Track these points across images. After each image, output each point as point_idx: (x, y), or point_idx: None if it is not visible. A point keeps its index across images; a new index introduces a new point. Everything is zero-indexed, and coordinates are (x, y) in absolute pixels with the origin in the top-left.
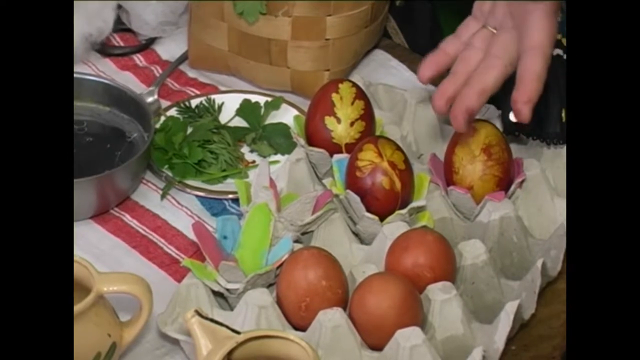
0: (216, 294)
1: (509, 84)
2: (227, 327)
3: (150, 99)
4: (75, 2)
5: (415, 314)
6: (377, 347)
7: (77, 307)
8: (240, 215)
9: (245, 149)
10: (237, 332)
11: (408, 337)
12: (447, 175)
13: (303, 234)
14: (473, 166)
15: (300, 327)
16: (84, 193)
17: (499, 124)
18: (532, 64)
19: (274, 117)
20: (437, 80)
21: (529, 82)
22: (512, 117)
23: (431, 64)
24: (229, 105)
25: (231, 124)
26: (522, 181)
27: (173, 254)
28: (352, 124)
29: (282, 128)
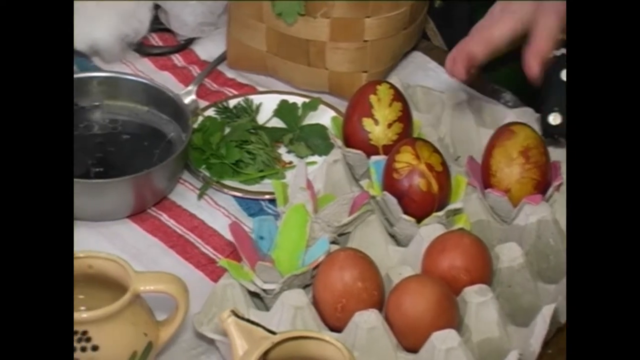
0: (252, 294)
1: (546, 88)
2: (263, 327)
3: (188, 99)
4: (110, 2)
5: (451, 316)
6: (413, 349)
7: (114, 306)
8: (277, 216)
9: (282, 150)
10: (273, 333)
11: (444, 339)
12: (485, 177)
13: (340, 235)
14: (510, 169)
15: (336, 329)
16: (121, 192)
17: (537, 127)
18: (547, 21)
19: (312, 118)
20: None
21: (541, 38)
22: (551, 120)
23: (457, 58)
24: (266, 106)
25: (269, 125)
26: (560, 184)
27: (210, 254)
28: (389, 125)
29: (320, 129)
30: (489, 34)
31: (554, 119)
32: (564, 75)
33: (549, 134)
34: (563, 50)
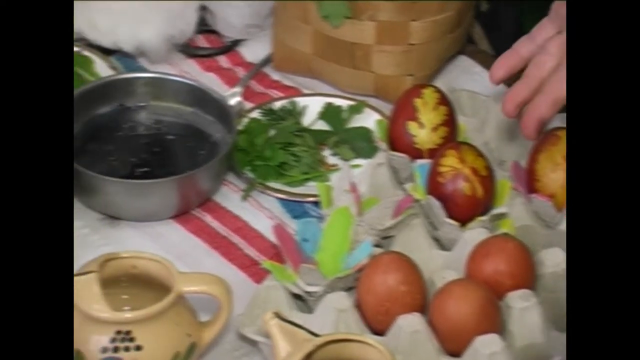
0: (295, 296)
1: None
2: (306, 329)
3: (233, 101)
4: (155, 3)
5: (494, 321)
6: (456, 353)
7: (157, 307)
8: (320, 218)
9: (327, 153)
10: (316, 335)
11: (487, 344)
12: (529, 182)
13: (383, 238)
14: (555, 174)
15: (379, 332)
16: (166, 193)
17: None
18: (557, 87)
19: (357, 121)
20: (508, 81)
21: (546, 103)
22: None
23: (503, 64)
24: (311, 109)
25: (314, 127)
26: None
27: (253, 256)
28: (434, 129)
29: (364, 132)
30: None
31: None
32: None
33: None
34: None
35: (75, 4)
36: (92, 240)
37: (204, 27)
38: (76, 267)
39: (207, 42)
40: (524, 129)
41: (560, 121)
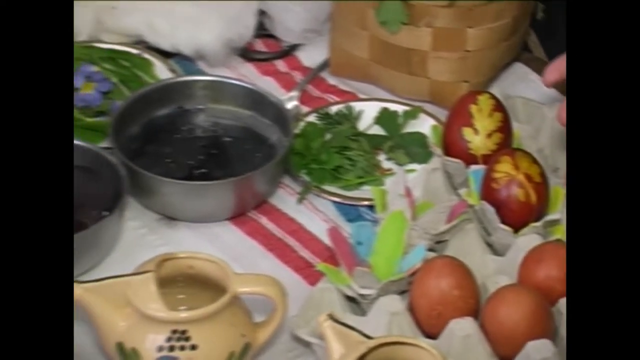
0: (349, 298)
1: None
2: (359, 331)
3: (290, 105)
4: (215, 7)
5: (546, 326)
6: (507, 358)
7: (213, 307)
8: (375, 222)
9: (382, 157)
10: (369, 337)
11: (539, 349)
12: None
13: (437, 242)
14: None
15: (431, 335)
16: (222, 194)
17: None
18: None
19: (412, 126)
20: (561, 85)
21: None
22: None
23: (556, 68)
24: (367, 113)
25: (369, 132)
26: None
27: (308, 258)
28: (489, 135)
29: (420, 137)
30: None
31: None
32: None
33: None
34: None
35: (135, 6)
36: (150, 240)
37: (263, 31)
38: (134, 267)
39: (265, 46)
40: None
41: None
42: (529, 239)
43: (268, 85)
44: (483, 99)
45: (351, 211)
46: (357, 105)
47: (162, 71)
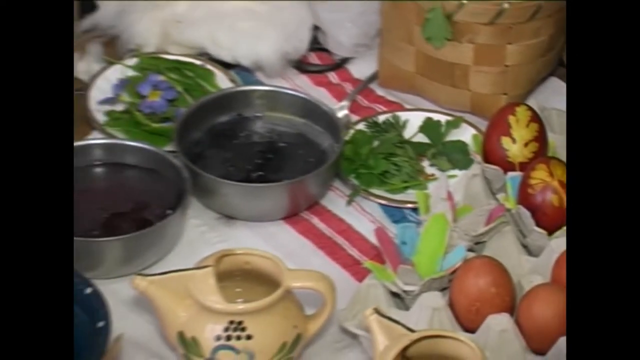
0: (393, 294)
1: None
2: (403, 325)
3: (341, 113)
4: (273, 23)
5: None
6: (541, 351)
7: (267, 300)
8: (418, 223)
9: (425, 163)
10: (412, 331)
11: None
12: None
13: (476, 243)
14: None
15: (470, 329)
16: (277, 196)
17: None
18: None
19: (454, 135)
20: None
21: None
22: None
23: None
24: (412, 122)
25: (414, 140)
26: None
27: (355, 256)
28: (526, 144)
29: (461, 145)
30: None
31: None
32: None
33: None
34: None
35: (199, 21)
36: (209, 238)
37: (316, 45)
38: (195, 262)
39: (318, 59)
40: None
41: None
42: (561, 242)
43: (321, 95)
44: (521, 110)
45: (396, 213)
46: (403, 115)
47: (222, 81)
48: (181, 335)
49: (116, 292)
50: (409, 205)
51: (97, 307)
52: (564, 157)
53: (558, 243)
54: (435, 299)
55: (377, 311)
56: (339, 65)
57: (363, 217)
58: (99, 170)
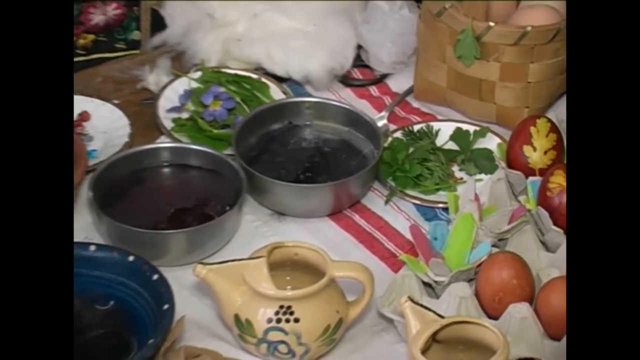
0: (425, 284)
1: None
2: (434, 312)
3: (380, 123)
4: (321, 42)
5: None
6: (556, 337)
7: (314, 287)
8: (448, 221)
9: (455, 168)
10: (441, 317)
11: None
12: None
13: (499, 240)
14: None
15: (493, 317)
16: (323, 195)
17: None
18: None
19: (481, 143)
20: None
21: None
22: None
23: None
24: (444, 132)
25: (445, 147)
26: None
27: (392, 249)
28: (545, 152)
29: (487, 153)
30: None
31: None
32: None
33: None
34: None
35: (256, 39)
36: (263, 232)
37: (359, 62)
38: (249, 253)
39: (361, 74)
40: None
41: None
42: None
43: (362, 106)
44: (541, 122)
45: (428, 212)
46: (435, 125)
47: (276, 93)
48: (237, 318)
49: (179, 279)
50: (440, 205)
51: (163, 292)
52: None
53: None
54: (463, 289)
55: (411, 299)
56: (379, 80)
57: (399, 215)
58: (166, 170)
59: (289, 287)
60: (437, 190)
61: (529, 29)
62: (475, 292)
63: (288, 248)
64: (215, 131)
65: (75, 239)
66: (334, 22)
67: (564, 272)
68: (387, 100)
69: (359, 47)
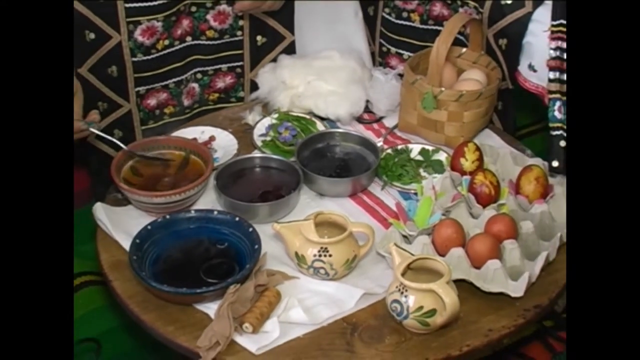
0: (403, 236)
1: (550, 151)
2: (409, 252)
3: (379, 144)
4: (346, 96)
5: (497, 254)
6: (478, 267)
7: (340, 237)
8: (417, 201)
9: (421, 170)
10: (413, 255)
11: (493, 264)
12: (516, 189)
13: (446, 211)
14: (529, 186)
15: (442, 255)
16: (346, 185)
17: (544, 168)
18: None
19: (435, 157)
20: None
21: None
22: (553, 164)
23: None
24: (415, 150)
25: (416, 158)
26: (552, 195)
27: (385, 216)
28: (473, 162)
29: (439, 162)
30: None
31: (554, 164)
32: (562, 144)
33: (551, 171)
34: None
35: (310, 95)
36: (311, 205)
37: (367, 109)
38: (303, 217)
39: (367, 116)
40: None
41: (533, 161)
42: (489, 212)
43: (369, 135)
44: (470, 145)
45: (406, 195)
46: (410, 146)
47: (320, 126)
48: (296, 254)
49: (265, 231)
50: (413, 191)
51: (254, 238)
52: (491, 169)
53: (488, 213)
54: (425, 239)
55: (395, 244)
56: (379, 120)
57: (389, 197)
58: (257, 170)
59: (326, 236)
60: (411, 183)
61: (464, 92)
62: (432, 241)
63: (325, 215)
64: (286, 147)
65: (206, 208)
66: (353, 86)
67: (482, 231)
68: (382, 131)
69: (367, 100)
